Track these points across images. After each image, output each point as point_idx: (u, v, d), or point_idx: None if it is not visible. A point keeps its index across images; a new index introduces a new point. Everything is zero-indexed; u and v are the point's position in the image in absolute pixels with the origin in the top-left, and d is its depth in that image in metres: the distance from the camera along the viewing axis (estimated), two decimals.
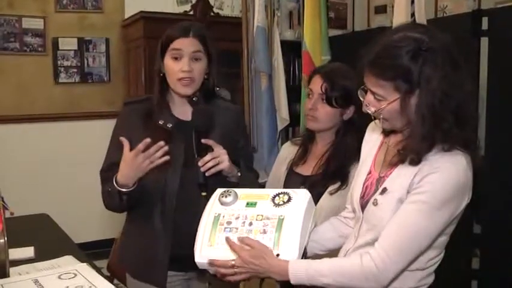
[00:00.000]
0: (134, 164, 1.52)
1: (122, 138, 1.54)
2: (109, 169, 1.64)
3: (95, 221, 3.59)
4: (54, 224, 2.13)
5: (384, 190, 1.24)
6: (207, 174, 1.59)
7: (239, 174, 1.66)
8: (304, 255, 1.25)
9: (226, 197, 1.33)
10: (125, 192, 1.56)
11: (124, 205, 1.60)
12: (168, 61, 1.64)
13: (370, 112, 1.25)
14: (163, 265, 1.66)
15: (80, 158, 3.94)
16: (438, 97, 1.14)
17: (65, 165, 4.00)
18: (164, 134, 1.61)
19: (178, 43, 1.61)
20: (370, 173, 1.34)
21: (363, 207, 1.31)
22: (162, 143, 1.52)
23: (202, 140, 1.59)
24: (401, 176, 1.22)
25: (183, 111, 1.69)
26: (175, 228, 1.64)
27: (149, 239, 1.67)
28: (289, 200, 1.28)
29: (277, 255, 1.20)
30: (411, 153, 1.20)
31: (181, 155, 1.61)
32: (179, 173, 1.62)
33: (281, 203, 1.28)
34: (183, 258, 1.57)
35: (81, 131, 4.08)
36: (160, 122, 1.65)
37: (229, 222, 1.29)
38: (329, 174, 1.72)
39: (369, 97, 1.23)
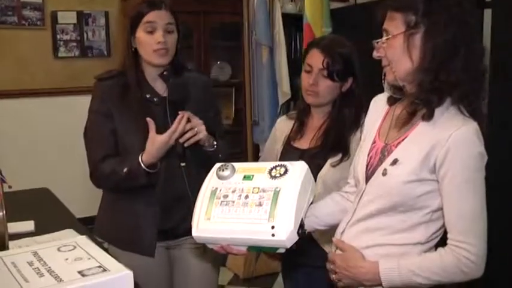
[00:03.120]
0: (165, 145, 1.57)
1: (149, 120, 1.58)
2: (107, 158, 1.65)
3: (97, 196, 3.62)
4: (55, 199, 2.14)
5: (395, 161, 1.23)
6: (185, 145, 1.63)
7: (215, 143, 1.70)
8: (301, 229, 1.25)
9: (223, 170, 1.33)
10: (154, 172, 1.61)
11: (145, 184, 1.64)
12: (141, 35, 1.66)
13: (379, 56, 1.25)
14: (152, 236, 1.71)
15: (80, 133, 3.94)
16: (444, 42, 1.15)
17: (65, 139, 3.99)
18: (145, 108, 1.66)
19: (151, 16, 1.64)
20: (374, 142, 1.34)
21: (368, 177, 1.31)
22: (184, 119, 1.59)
23: (179, 113, 1.61)
24: (414, 146, 1.21)
25: (155, 85, 1.73)
26: (160, 200, 1.70)
27: (136, 211, 1.71)
28: (285, 172, 1.28)
29: (272, 227, 1.20)
30: (421, 104, 1.20)
31: (161, 127, 1.63)
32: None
33: (277, 175, 1.27)
34: (166, 229, 1.73)
35: (81, 106, 3.97)
36: (147, 96, 1.69)
37: (225, 196, 1.29)
38: (328, 146, 1.72)
39: (381, 43, 1.24)
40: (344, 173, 1.63)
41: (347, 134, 1.73)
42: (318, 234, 1.69)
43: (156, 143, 1.58)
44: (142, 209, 1.71)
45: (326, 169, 1.70)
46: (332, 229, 1.45)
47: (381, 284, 1.24)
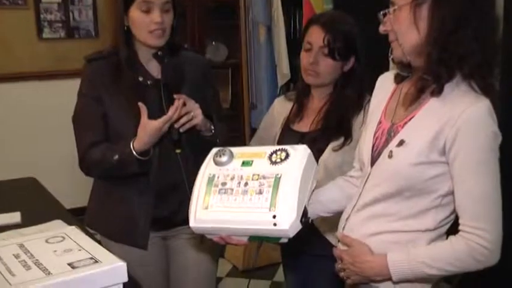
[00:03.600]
0: (158, 132, 1.56)
1: (141, 104, 1.56)
2: (96, 144, 1.65)
3: (87, 185, 3.62)
4: (42, 188, 2.14)
5: (402, 142, 1.22)
6: (181, 130, 1.63)
7: (213, 128, 1.69)
8: (305, 216, 1.24)
9: (221, 156, 1.32)
10: (146, 160, 1.60)
11: (137, 172, 1.63)
12: (135, 14, 1.62)
13: (385, 31, 1.24)
14: (145, 226, 1.72)
15: (69, 119, 3.92)
16: (453, 11, 1.13)
17: (52, 126, 3.96)
18: (138, 92, 1.64)
19: None
20: (380, 123, 1.33)
21: (374, 160, 1.30)
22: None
23: (175, 96, 1.61)
24: (422, 127, 1.20)
25: (148, 67, 1.71)
26: (155, 189, 1.70)
27: (129, 200, 1.71)
28: (287, 157, 1.26)
29: (274, 216, 1.19)
30: (430, 80, 1.18)
31: (156, 112, 1.62)
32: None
33: (278, 160, 1.26)
34: (161, 218, 1.73)
35: (69, 90, 3.91)
36: (140, 79, 1.67)
37: (224, 183, 1.28)
38: (330, 129, 1.72)
39: (387, 16, 1.23)
40: (346, 157, 1.63)
41: (349, 116, 1.72)
42: (319, 222, 1.69)
43: (148, 129, 1.57)
44: (135, 198, 1.71)
45: (328, 153, 1.70)
46: (336, 216, 1.45)
47: (391, 278, 1.23)
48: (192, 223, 1.29)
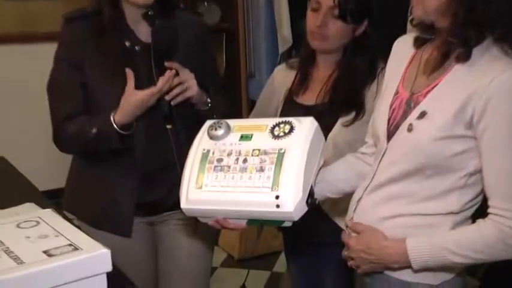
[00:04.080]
0: (143, 104, 1.56)
1: (128, 70, 1.55)
2: (73, 116, 1.63)
3: (65, 164, 3.59)
4: (12, 169, 2.13)
5: (423, 114, 1.22)
6: (172, 103, 1.61)
7: (209, 101, 1.69)
8: (311, 198, 1.25)
9: (216, 129, 1.32)
10: (128, 134, 1.60)
11: (118, 148, 1.63)
12: None
13: None
14: (129, 212, 1.72)
15: (40, 90, 3.88)
16: None
17: (22, 97, 3.92)
18: (123, 58, 1.62)
19: None
20: (397, 93, 1.32)
21: (390, 134, 1.30)
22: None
23: (166, 64, 1.59)
24: (446, 96, 1.20)
25: (137, 30, 1.68)
26: (141, 169, 1.70)
27: (111, 182, 1.72)
28: (291, 130, 1.27)
29: (277, 197, 1.20)
30: (456, 43, 1.17)
31: (145, 82, 1.61)
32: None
33: (281, 134, 1.27)
34: (148, 202, 1.74)
35: (39, 56, 3.81)
36: (127, 44, 1.65)
37: (219, 160, 1.28)
38: (339, 102, 1.71)
39: None
40: (358, 133, 1.63)
41: (361, 87, 1.71)
42: (328, 205, 1.70)
43: (132, 99, 1.56)
44: (118, 180, 1.71)
45: (337, 129, 1.70)
46: (347, 199, 1.45)
47: (410, 266, 1.23)
48: (183, 204, 1.29)
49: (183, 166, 1.31)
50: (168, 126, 1.66)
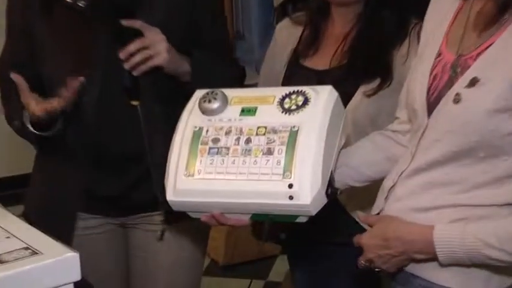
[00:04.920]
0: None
1: (14, 76, 1.53)
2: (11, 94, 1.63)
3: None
4: None
5: (474, 81, 1.20)
6: (134, 73, 1.61)
7: (191, 71, 1.67)
8: (331, 187, 1.25)
9: (210, 101, 1.31)
10: (46, 136, 1.59)
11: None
12: None
13: None
14: (71, 211, 1.72)
15: None
16: None
17: None
18: (74, 18, 1.61)
19: None
20: (440, 55, 1.32)
21: (431, 107, 1.29)
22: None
23: (123, 22, 1.57)
24: (503, 59, 1.18)
25: None
26: (95, 156, 1.69)
27: (60, 174, 1.73)
28: (305, 102, 1.26)
29: (290, 185, 1.19)
30: None
31: (100, 48, 1.61)
32: (99, 76, 1.63)
33: (293, 107, 1.27)
34: (106, 197, 1.74)
35: None
36: (81, 4, 1.59)
37: (216, 140, 1.28)
38: (360, 66, 1.70)
39: None
40: (383, 105, 1.64)
41: (388, 48, 1.70)
42: (344, 197, 1.68)
43: (36, 110, 1.53)
44: (67, 172, 1.71)
45: (357, 100, 1.69)
46: (368, 188, 1.47)
47: (436, 258, 1.24)
48: (170, 196, 1.29)
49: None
50: (134, 103, 1.64)
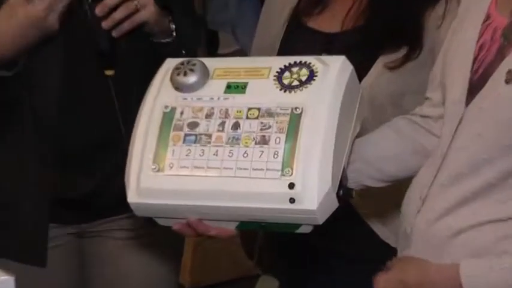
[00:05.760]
0: (37, 24, 1.54)
1: None
2: None
3: None
4: None
5: None
6: (114, 34, 1.63)
7: (173, 27, 1.70)
8: (343, 188, 1.23)
9: (186, 73, 1.29)
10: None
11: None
12: None
13: None
14: (40, 223, 1.70)
15: None
16: None
17: None
18: None
19: None
20: (487, 19, 1.31)
21: (475, 87, 1.28)
22: None
23: None
24: None
25: None
26: (55, 144, 1.70)
27: (11, 168, 1.73)
28: (311, 77, 1.25)
29: (291, 185, 1.17)
30: None
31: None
32: (62, 40, 1.63)
33: (295, 83, 1.24)
34: (73, 199, 1.75)
35: None
36: None
37: (193, 124, 1.26)
38: (380, 30, 1.69)
39: None
40: (411, 82, 1.65)
41: (419, 7, 1.69)
42: (356, 200, 1.63)
43: (19, 15, 1.54)
44: (19, 165, 1.72)
45: (377, 74, 1.67)
46: (386, 190, 1.47)
47: None
48: (132, 197, 1.27)
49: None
50: (109, 73, 1.66)
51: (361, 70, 1.54)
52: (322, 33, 1.75)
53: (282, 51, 1.76)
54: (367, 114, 1.59)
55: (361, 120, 1.36)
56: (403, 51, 1.66)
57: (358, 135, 1.41)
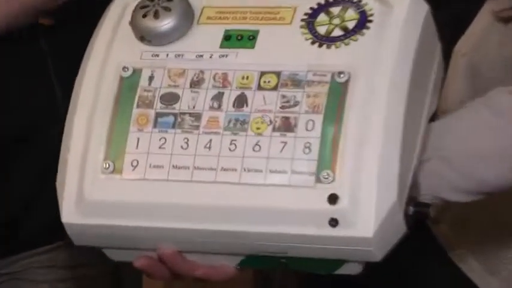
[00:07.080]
0: None
1: None
2: None
3: None
4: None
5: None
6: None
7: None
8: (413, 203, 1.13)
9: (156, 14, 1.17)
10: None
11: None
12: None
13: None
14: None
15: None
16: None
17: None
18: None
19: None
20: None
21: None
22: None
23: None
24: None
25: None
26: None
27: None
28: (362, 22, 1.13)
29: (332, 197, 1.04)
30: None
31: None
32: None
33: (337, 32, 1.13)
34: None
35: None
36: None
37: (170, 97, 1.14)
38: None
39: None
40: None
41: None
42: (446, 227, 1.66)
43: None
44: None
45: (480, 27, 1.66)
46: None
47: None
48: (67, 216, 1.16)
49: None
50: (46, 23, 1.82)
51: (455, 20, 1.57)
52: None
53: None
54: (462, 85, 1.55)
55: (440, 93, 1.24)
56: None
57: (434, 118, 1.29)
